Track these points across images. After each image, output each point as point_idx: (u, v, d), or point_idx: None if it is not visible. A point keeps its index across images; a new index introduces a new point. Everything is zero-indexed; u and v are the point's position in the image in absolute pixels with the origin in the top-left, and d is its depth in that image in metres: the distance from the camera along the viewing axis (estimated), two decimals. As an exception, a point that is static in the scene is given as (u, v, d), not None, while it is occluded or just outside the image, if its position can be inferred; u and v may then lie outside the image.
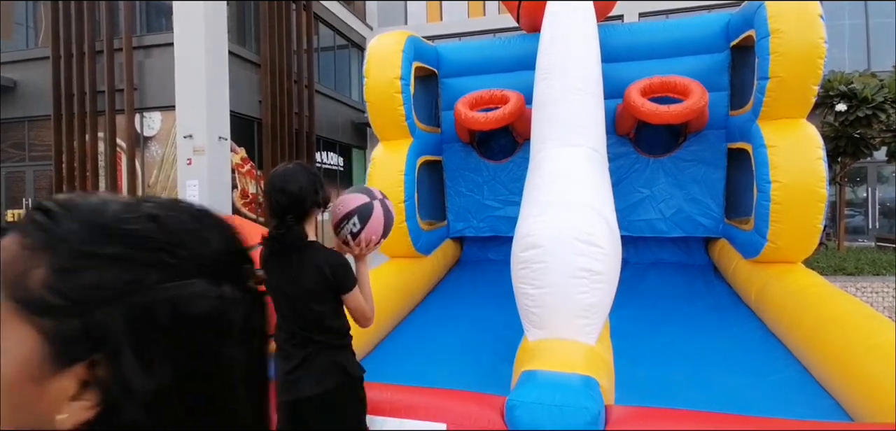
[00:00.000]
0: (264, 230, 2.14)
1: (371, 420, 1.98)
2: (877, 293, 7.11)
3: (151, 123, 12.71)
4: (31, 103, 13.30)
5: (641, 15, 16.12)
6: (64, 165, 12.71)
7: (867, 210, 14.69)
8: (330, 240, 2.09)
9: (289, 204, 1.80)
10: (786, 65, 3.65)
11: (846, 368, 2.60)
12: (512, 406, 1.95)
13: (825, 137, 4.39)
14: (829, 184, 3.66)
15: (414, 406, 2.09)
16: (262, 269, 1.81)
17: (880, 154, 10.28)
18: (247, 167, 13.51)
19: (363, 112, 18.30)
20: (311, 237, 1.90)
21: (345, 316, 1.90)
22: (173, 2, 11.65)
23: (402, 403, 2.10)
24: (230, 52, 12.41)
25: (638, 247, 5.09)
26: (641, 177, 4.93)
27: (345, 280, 1.84)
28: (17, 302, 0.38)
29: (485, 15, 18.88)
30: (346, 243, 2.01)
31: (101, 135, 12.74)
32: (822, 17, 3.64)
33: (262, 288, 0.49)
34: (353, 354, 1.93)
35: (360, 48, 19.22)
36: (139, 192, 12.63)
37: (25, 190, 13.64)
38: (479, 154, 5.33)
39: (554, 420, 1.88)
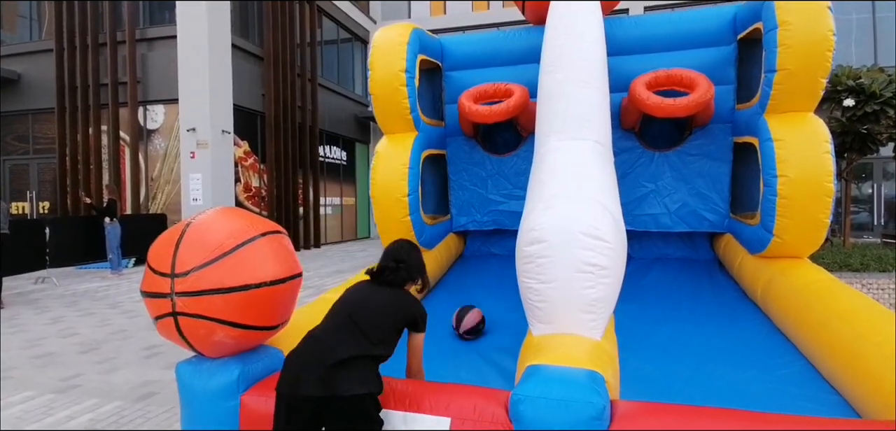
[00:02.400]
0: (268, 223, 2.26)
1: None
2: (882, 289, 7.07)
3: (155, 116, 12.71)
4: (34, 96, 13.32)
5: (647, 8, 16.03)
6: (67, 158, 12.74)
7: (873, 206, 14.61)
8: None
9: (405, 262, 2.24)
10: (794, 57, 3.61)
11: (852, 364, 2.58)
12: (517, 400, 1.94)
13: (832, 132, 4.35)
14: (836, 179, 3.63)
15: (418, 400, 2.08)
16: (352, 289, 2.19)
17: (886, 150, 10.20)
18: (250, 160, 13.52)
19: (366, 106, 18.26)
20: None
21: (392, 354, 2.13)
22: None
23: (406, 397, 2.10)
24: (233, 46, 12.39)
25: (642, 242, 5.07)
26: (646, 172, 4.90)
27: (423, 322, 2.19)
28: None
29: (489, 9, 18.79)
30: None
31: (104, 128, 12.76)
32: (830, 9, 3.60)
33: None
34: None
35: (364, 42, 19.18)
36: (142, 186, 12.66)
37: (29, 182, 13.68)
38: (483, 148, 5.31)
39: (559, 415, 1.86)
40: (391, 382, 2.17)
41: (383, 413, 2.04)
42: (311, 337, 2.03)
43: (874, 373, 2.39)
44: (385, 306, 2.10)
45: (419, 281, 2.31)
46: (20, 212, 13.52)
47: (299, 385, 1.89)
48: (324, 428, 1.94)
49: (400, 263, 2.22)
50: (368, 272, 2.25)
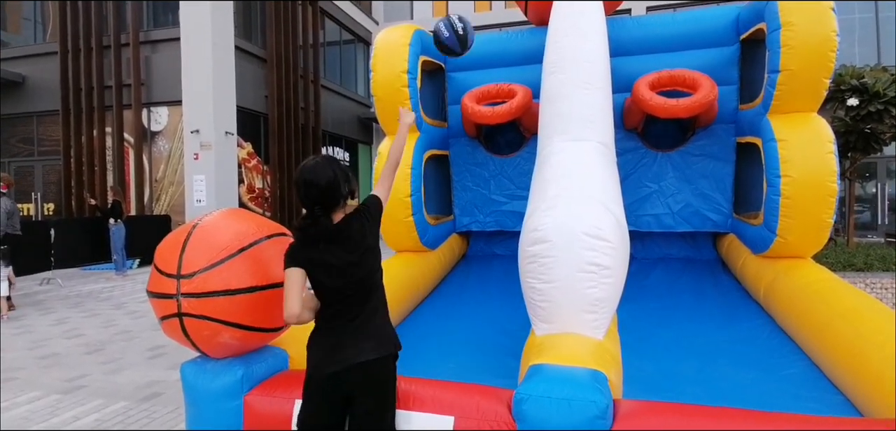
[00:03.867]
0: (274, 224, 2.22)
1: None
2: (886, 289, 7.04)
3: (158, 118, 12.76)
4: (39, 98, 13.38)
5: (649, 8, 16.01)
6: (72, 160, 12.80)
7: (876, 206, 14.56)
8: None
9: (318, 196, 1.89)
10: (797, 58, 3.61)
11: (855, 363, 2.58)
12: (520, 399, 1.95)
13: (835, 132, 4.34)
14: (840, 179, 3.62)
15: (422, 399, 2.09)
16: (297, 259, 1.91)
17: (890, 149, 10.16)
18: (253, 162, 13.55)
19: (369, 107, 18.28)
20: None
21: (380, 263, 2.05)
22: (180, 0, 11.68)
23: (410, 395, 2.11)
24: (236, 47, 12.42)
25: (645, 242, 5.07)
26: (649, 172, 4.90)
27: (378, 208, 2.07)
28: None
29: (491, 10, 18.79)
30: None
31: (108, 130, 12.82)
32: (834, 9, 3.60)
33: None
34: None
35: (366, 43, 19.20)
36: (146, 187, 12.71)
37: (34, 184, 13.74)
38: (486, 148, 5.32)
39: (562, 414, 1.87)
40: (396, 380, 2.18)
41: (388, 412, 2.04)
42: (326, 328, 1.97)
43: (877, 373, 2.39)
44: (352, 250, 1.92)
45: (347, 193, 1.97)
46: (25, 213, 13.59)
47: (324, 366, 1.90)
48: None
49: (314, 206, 1.90)
50: (298, 232, 1.95)
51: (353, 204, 2.03)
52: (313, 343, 1.98)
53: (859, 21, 14.76)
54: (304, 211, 1.95)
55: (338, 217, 1.95)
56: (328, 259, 1.90)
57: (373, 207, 2.07)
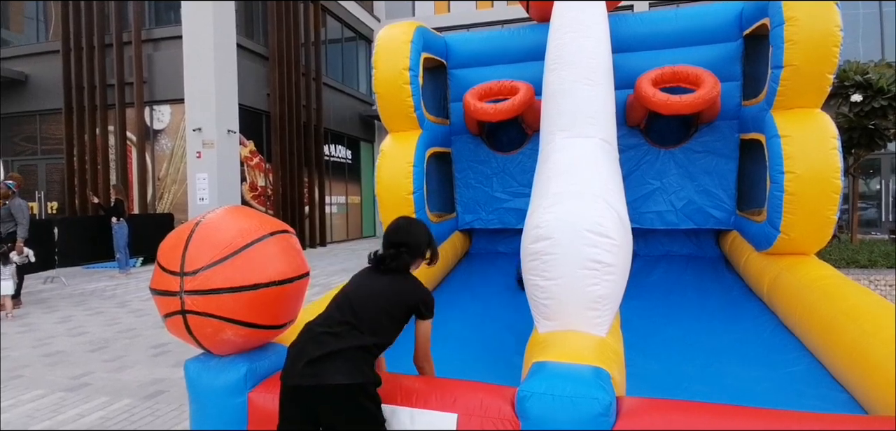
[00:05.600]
0: (277, 222, 2.26)
1: (382, 409, 2.00)
2: (890, 286, 7.02)
3: (161, 117, 12.78)
4: (42, 97, 13.41)
5: (652, 4, 15.96)
6: (75, 158, 12.83)
7: (881, 202, 14.50)
8: None
9: (406, 244, 2.14)
10: (801, 53, 3.60)
11: (860, 361, 2.57)
12: (523, 396, 1.95)
13: (839, 128, 4.32)
14: (843, 175, 3.61)
15: (425, 396, 2.09)
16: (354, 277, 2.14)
17: (894, 145, 10.12)
18: (256, 160, 13.57)
19: (371, 105, 18.28)
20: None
21: (392, 343, 2.11)
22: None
23: (413, 393, 2.11)
24: (238, 46, 12.43)
25: (648, 240, 5.07)
26: (652, 169, 4.89)
27: (428, 308, 2.14)
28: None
29: (493, 7, 18.75)
30: None
31: (111, 128, 12.84)
32: (837, 5, 3.58)
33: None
34: None
35: (368, 41, 19.19)
36: (149, 185, 12.74)
37: (38, 183, 13.78)
38: (489, 146, 5.31)
39: (565, 411, 1.87)
40: (398, 378, 2.19)
41: (390, 410, 2.05)
42: (307, 329, 2.03)
43: (881, 370, 2.38)
44: (381, 293, 2.05)
45: (427, 255, 2.22)
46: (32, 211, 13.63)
47: (291, 376, 1.91)
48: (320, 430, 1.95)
49: (400, 247, 2.12)
50: (371, 258, 2.18)
51: (423, 265, 2.26)
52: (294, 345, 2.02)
53: (863, 16, 14.69)
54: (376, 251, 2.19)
55: (412, 270, 2.18)
56: (370, 281, 2.10)
57: (427, 301, 2.14)
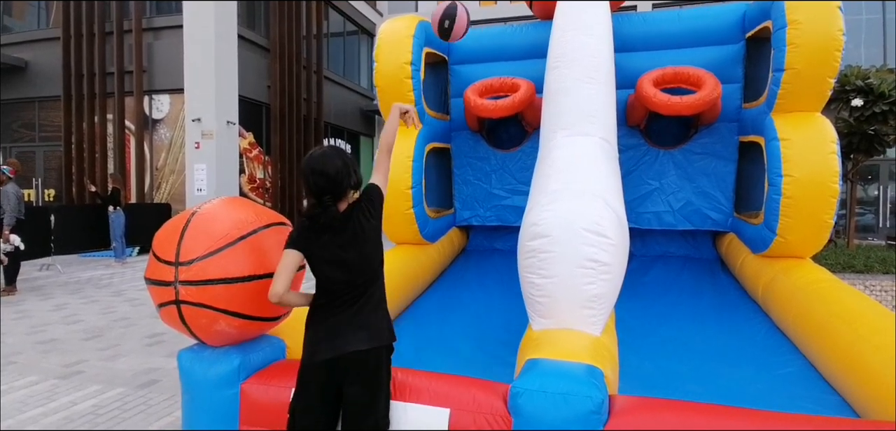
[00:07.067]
0: (273, 213, 2.22)
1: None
2: (886, 291, 7.03)
3: (160, 106, 12.75)
4: (41, 84, 13.37)
5: (655, 5, 15.93)
6: (73, 146, 12.80)
7: (878, 208, 14.52)
8: None
9: (326, 185, 1.93)
10: (802, 57, 3.59)
11: (853, 364, 2.58)
12: (516, 393, 1.95)
13: (839, 133, 4.32)
14: (841, 180, 3.61)
15: (418, 390, 2.09)
16: (298, 244, 1.97)
17: (893, 151, 10.12)
18: (255, 152, 13.54)
19: (371, 99, 18.25)
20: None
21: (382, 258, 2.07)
22: (183, -15, 11.64)
23: (406, 386, 2.11)
24: (239, 37, 12.39)
25: (645, 240, 5.06)
26: (651, 169, 4.88)
27: (380, 197, 2.05)
28: None
29: (495, 4, 18.71)
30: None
31: (110, 116, 12.80)
32: (841, 9, 3.57)
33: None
34: None
35: (370, 34, 19.15)
36: (147, 175, 12.71)
37: (36, 170, 13.75)
38: (488, 142, 5.30)
39: (557, 408, 1.87)
40: (391, 371, 2.18)
41: (383, 404, 2.04)
42: (315, 308, 1.99)
43: (874, 374, 2.39)
44: (357, 242, 1.94)
45: (354, 183, 2.01)
46: (26, 199, 13.61)
47: (320, 352, 1.92)
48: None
49: (324, 194, 1.92)
50: (302, 219, 1.98)
51: (354, 195, 2.04)
52: (309, 329, 1.99)
53: (866, 22, 14.69)
54: (305, 201, 1.99)
55: (342, 207, 1.98)
56: (330, 248, 1.93)
57: (375, 196, 2.05)
